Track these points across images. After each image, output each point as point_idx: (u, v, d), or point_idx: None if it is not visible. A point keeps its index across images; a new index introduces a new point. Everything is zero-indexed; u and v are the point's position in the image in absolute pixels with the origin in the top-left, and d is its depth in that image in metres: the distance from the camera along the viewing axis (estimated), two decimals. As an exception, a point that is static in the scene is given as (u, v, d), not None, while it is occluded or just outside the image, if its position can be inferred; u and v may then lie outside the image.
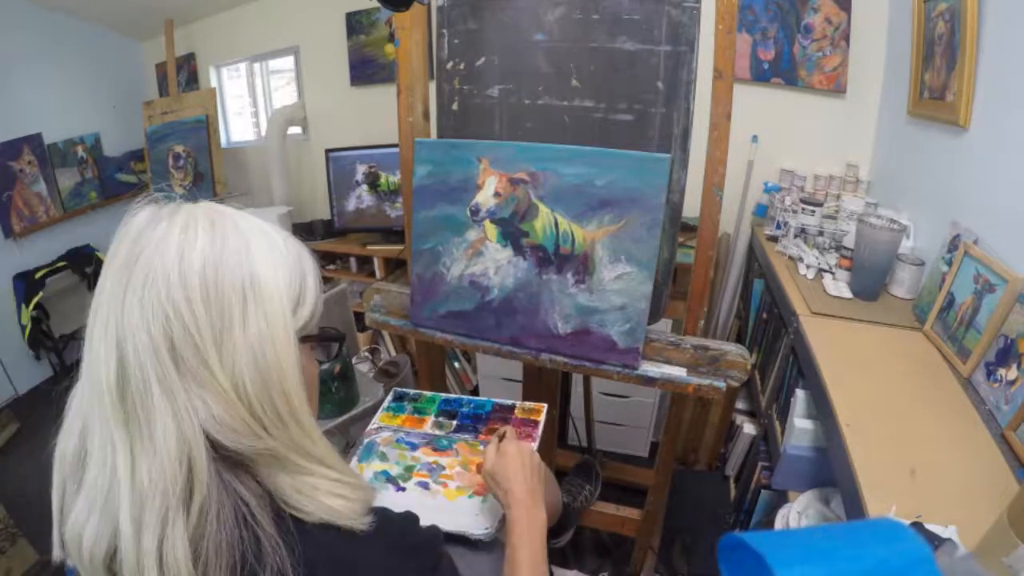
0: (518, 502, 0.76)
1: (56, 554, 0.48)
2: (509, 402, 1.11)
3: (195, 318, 0.44)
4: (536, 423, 1.05)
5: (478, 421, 1.07)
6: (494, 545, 0.87)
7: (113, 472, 0.44)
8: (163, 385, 0.44)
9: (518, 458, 0.80)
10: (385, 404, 1.13)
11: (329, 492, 0.50)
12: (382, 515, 0.54)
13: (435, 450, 1.00)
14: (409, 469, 0.97)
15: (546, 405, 1.10)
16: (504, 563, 0.74)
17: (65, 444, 0.48)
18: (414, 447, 1.01)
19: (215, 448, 0.46)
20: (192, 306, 0.44)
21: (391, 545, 0.54)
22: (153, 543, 0.42)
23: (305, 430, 0.51)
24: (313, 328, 0.55)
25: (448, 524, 0.80)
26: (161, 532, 0.43)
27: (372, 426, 1.07)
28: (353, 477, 0.54)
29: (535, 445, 1.00)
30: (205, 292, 0.45)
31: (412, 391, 1.17)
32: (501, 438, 0.85)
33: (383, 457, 0.99)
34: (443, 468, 0.96)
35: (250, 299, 0.47)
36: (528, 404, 1.10)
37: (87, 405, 0.46)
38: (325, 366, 1.36)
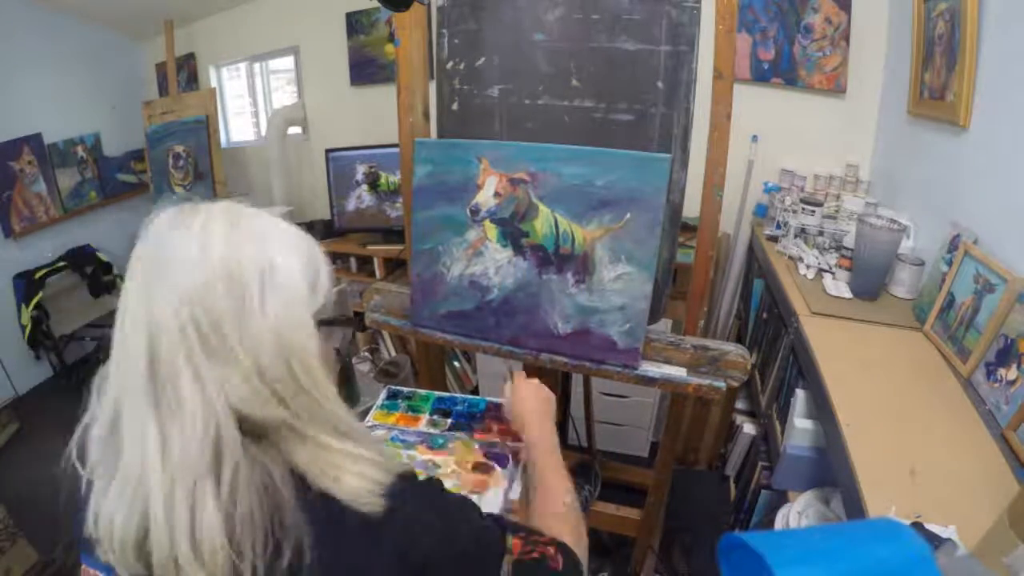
0: (528, 437, 0.89)
1: (92, 533, 0.49)
2: (503, 400, 1.11)
3: (217, 303, 0.47)
4: None
5: (472, 420, 1.07)
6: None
7: (144, 454, 0.46)
8: (191, 365, 0.46)
9: (521, 403, 0.93)
10: (379, 402, 1.13)
11: (350, 471, 0.51)
12: (398, 496, 0.53)
13: (430, 448, 1.00)
14: None
15: None
16: (535, 489, 0.84)
17: (96, 433, 0.49)
18: (409, 445, 1.01)
19: (241, 423, 0.48)
20: (214, 293, 0.47)
21: (423, 502, 0.56)
22: (185, 517, 0.44)
23: (324, 400, 0.52)
24: (327, 313, 0.58)
25: None
26: (192, 505, 0.45)
27: (366, 424, 1.07)
28: (375, 453, 0.55)
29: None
30: (227, 278, 0.48)
31: (406, 389, 1.17)
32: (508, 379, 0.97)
33: None
34: (438, 467, 0.96)
35: (267, 284, 0.50)
36: None
37: (118, 393, 0.49)
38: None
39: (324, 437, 0.52)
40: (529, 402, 0.93)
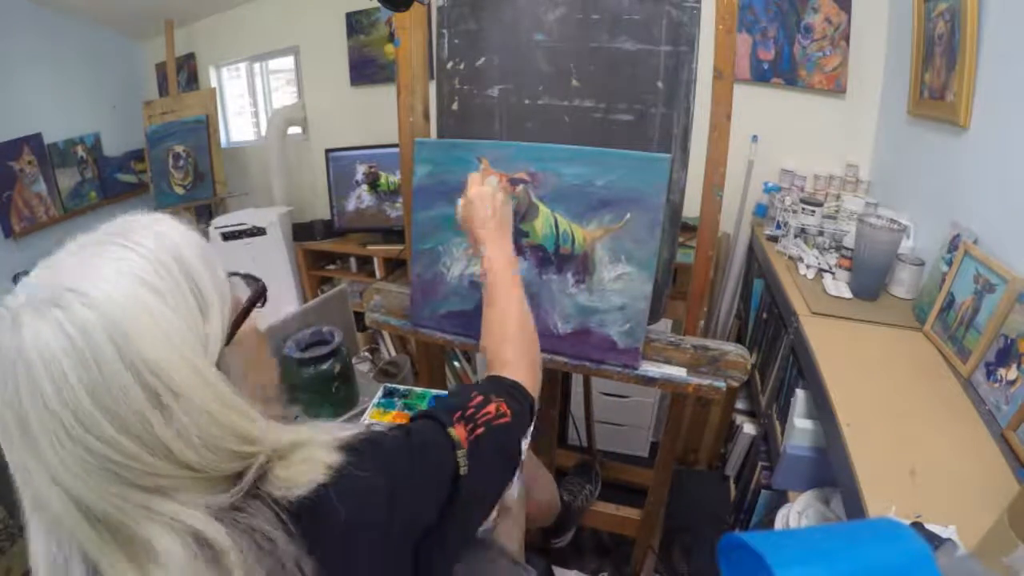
0: (481, 241, 0.86)
1: None
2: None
3: (124, 448, 0.41)
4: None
5: None
6: (492, 544, 0.87)
7: None
8: (137, 514, 0.42)
9: (477, 201, 0.89)
10: (375, 400, 1.14)
11: (311, 457, 0.50)
12: (347, 449, 0.53)
13: None
14: None
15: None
16: (485, 303, 0.83)
17: None
18: None
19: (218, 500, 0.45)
20: (109, 433, 0.41)
21: (372, 461, 0.54)
22: None
23: (273, 432, 0.50)
24: (234, 309, 0.54)
25: None
26: None
27: (363, 422, 1.08)
28: (314, 428, 0.54)
29: (527, 442, 1.00)
30: (113, 415, 0.41)
31: (402, 387, 1.17)
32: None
33: None
34: None
35: (161, 392, 0.42)
36: None
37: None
38: (325, 366, 1.36)
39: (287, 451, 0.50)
40: (485, 208, 0.88)
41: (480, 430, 0.62)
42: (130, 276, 0.45)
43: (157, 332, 0.43)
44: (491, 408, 0.64)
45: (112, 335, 0.41)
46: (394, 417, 1.08)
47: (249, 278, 0.59)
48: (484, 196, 0.90)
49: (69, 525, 0.42)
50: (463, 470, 0.58)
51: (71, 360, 0.40)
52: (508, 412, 0.65)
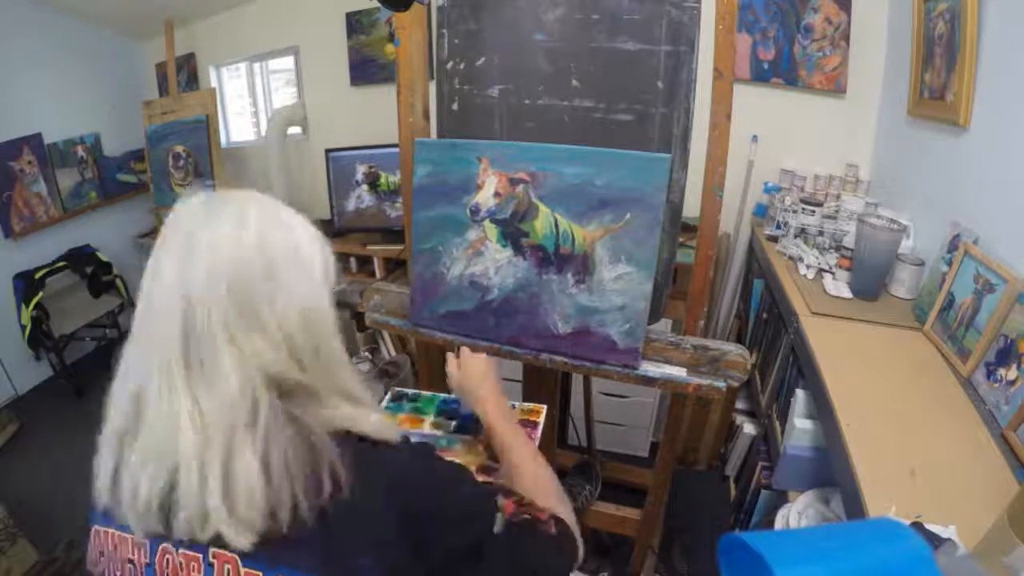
0: (486, 401, 0.91)
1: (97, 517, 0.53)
2: (508, 403, 1.11)
3: (253, 276, 0.52)
4: (536, 424, 1.05)
5: (477, 422, 1.07)
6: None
7: (173, 417, 0.49)
8: (227, 331, 0.50)
9: (480, 366, 0.96)
10: (383, 404, 1.13)
11: (365, 419, 0.58)
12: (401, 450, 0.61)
13: (435, 449, 1.00)
14: None
15: (545, 406, 1.10)
16: (502, 460, 0.85)
17: (116, 411, 0.52)
18: None
19: (268, 386, 0.52)
20: (250, 267, 0.52)
21: (417, 453, 0.62)
22: (218, 471, 0.48)
23: (339, 369, 0.58)
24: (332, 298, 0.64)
25: None
26: (227, 458, 0.48)
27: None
28: (386, 414, 0.62)
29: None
30: (261, 256, 0.53)
31: (411, 391, 1.17)
32: (457, 355, 0.99)
33: None
34: None
35: (294, 264, 0.55)
36: (528, 405, 1.10)
37: (142, 364, 0.51)
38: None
39: (337, 400, 0.57)
40: (480, 376, 0.94)
41: (525, 516, 0.65)
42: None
43: None
44: (543, 515, 0.67)
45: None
46: (402, 421, 1.08)
47: None
48: (477, 358, 0.98)
49: (159, 337, 0.50)
50: (497, 527, 0.60)
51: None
52: (554, 528, 0.67)
